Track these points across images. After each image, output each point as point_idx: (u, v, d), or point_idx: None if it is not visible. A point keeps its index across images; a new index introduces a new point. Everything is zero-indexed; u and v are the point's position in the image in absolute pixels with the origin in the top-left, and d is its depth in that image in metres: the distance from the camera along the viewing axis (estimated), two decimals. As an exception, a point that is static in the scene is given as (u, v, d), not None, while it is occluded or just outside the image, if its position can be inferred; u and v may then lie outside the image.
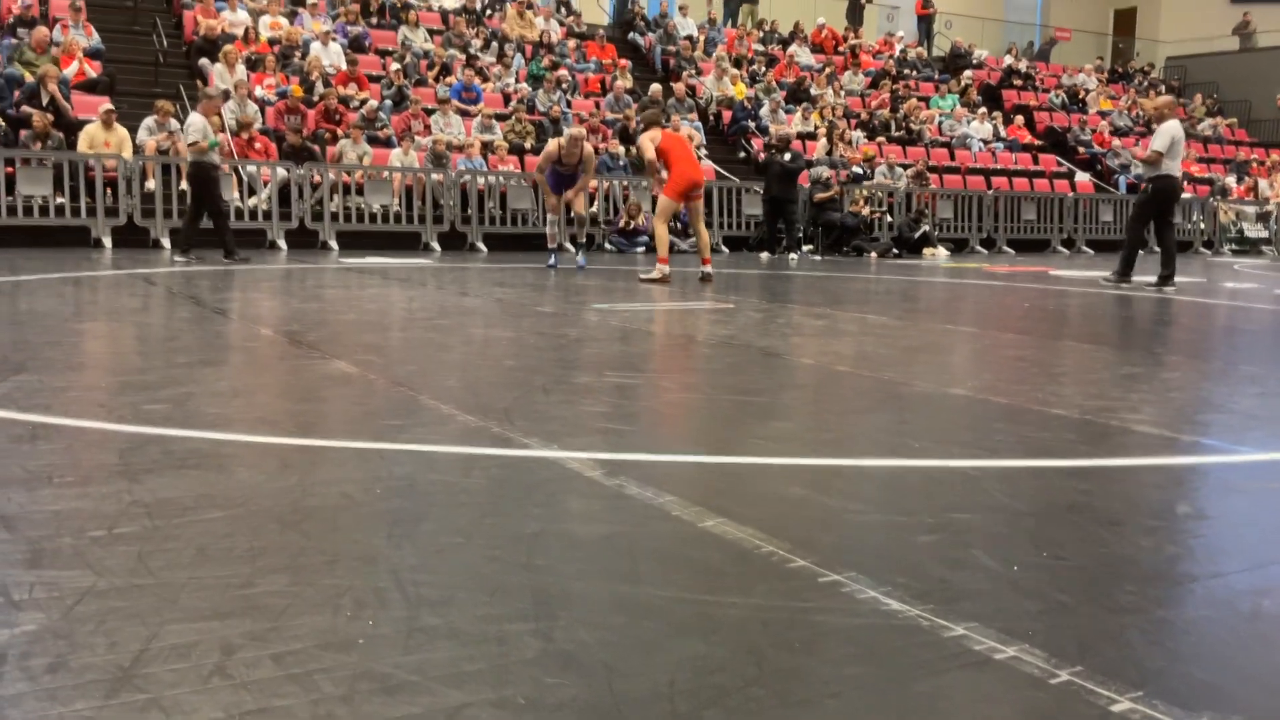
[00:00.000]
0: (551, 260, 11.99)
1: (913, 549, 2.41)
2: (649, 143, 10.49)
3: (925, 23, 26.77)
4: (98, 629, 1.87)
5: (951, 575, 2.25)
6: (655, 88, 19.26)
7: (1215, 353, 6.28)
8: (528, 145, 16.63)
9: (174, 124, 14.36)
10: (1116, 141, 23.27)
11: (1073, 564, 2.35)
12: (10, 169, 12.98)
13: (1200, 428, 3.87)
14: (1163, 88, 28.12)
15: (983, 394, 4.39)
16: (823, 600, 2.09)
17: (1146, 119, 11.41)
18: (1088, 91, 25.42)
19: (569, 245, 13.78)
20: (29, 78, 13.91)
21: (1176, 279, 10.92)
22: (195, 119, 11.39)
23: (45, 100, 13.69)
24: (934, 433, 3.67)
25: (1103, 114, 24.53)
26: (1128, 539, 2.54)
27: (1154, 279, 10.85)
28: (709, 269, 10.58)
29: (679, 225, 15.53)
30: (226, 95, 15.23)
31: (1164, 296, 9.88)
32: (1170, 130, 10.65)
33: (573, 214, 12.32)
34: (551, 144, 11.68)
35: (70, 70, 14.66)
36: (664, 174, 10.52)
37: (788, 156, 15.41)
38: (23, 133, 13.38)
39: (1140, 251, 11.52)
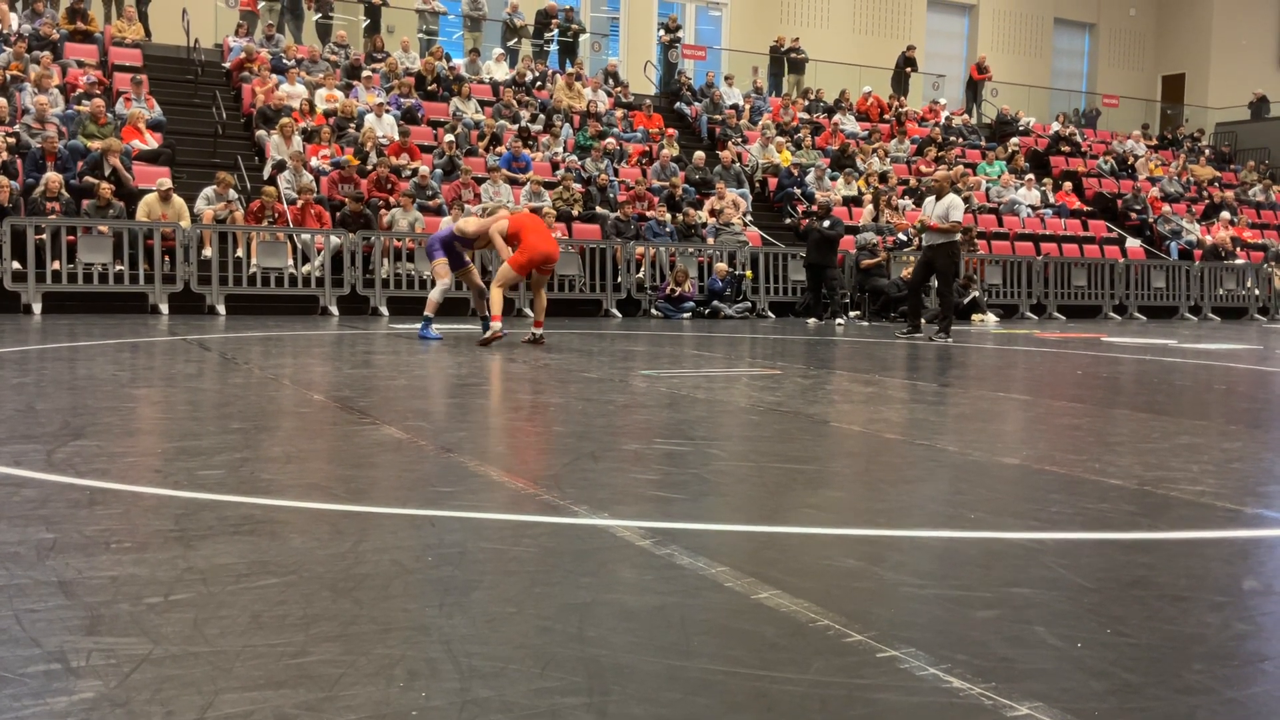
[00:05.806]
0: (434, 331, 10.54)
1: (972, 624, 2.36)
2: (498, 236, 9.87)
3: (972, 90, 26.87)
4: (154, 697, 1.87)
5: (1013, 652, 2.19)
6: (695, 169, 19.45)
7: (1277, 422, 6.15)
8: (575, 212, 16.84)
9: (232, 194, 14.75)
10: (1167, 207, 23.12)
11: (1138, 642, 2.29)
12: (72, 237, 13.34)
13: (1264, 499, 3.78)
14: (1211, 153, 27.94)
15: (1037, 463, 4.32)
16: (881, 677, 2.05)
17: (937, 189, 12.85)
18: (1136, 157, 25.32)
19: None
20: (93, 148, 14.33)
21: (921, 330, 12.81)
22: None
23: (107, 171, 14.09)
24: (989, 503, 3.61)
25: (1152, 180, 24.40)
26: (1194, 616, 2.47)
27: (906, 328, 12.83)
28: (540, 332, 10.16)
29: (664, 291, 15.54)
30: (283, 166, 15.61)
31: (1224, 365, 9.72)
32: (960, 203, 12.59)
33: (470, 286, 11.05)
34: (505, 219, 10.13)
35: (132, 142, 15.11)
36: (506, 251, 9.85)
37: (827, 223, 15.43)
38: (85, 202, 13.77)
39: (954, 302, 13.28)
